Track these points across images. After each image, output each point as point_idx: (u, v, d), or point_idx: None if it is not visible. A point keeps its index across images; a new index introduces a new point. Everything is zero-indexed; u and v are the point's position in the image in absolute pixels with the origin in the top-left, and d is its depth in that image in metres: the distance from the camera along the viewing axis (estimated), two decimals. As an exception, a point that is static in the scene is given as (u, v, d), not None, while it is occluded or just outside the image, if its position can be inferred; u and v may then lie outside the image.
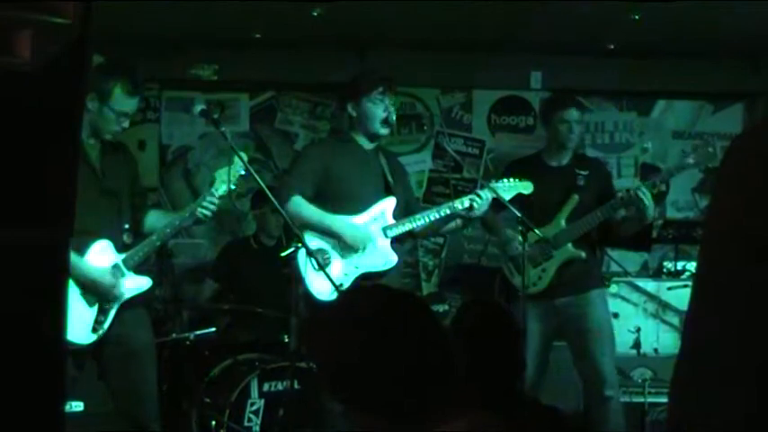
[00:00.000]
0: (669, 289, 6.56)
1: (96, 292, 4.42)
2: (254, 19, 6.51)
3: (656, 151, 7.67)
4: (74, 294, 4.37)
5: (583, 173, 5.44)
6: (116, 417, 4.60)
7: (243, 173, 4.62)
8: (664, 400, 5.98)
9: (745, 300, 1.30)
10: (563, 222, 5.34)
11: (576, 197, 5.34)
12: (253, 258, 6.50)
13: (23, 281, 1.33)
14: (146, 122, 7.42)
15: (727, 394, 1.30)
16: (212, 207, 4.60)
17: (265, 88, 7.55)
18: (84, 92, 1.30)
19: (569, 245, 5.31)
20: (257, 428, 5.30)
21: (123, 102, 4.51)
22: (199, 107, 4.68)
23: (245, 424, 5.28)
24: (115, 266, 4.51)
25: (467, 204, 4.91)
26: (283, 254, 4.75)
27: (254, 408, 5.31)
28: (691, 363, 1.37)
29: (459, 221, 5.07)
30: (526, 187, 5.10)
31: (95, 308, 4.44)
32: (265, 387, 5.35)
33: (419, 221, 4.93)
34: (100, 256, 4.47)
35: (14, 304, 1.33)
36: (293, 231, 4.58)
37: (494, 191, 4.95)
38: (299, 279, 4.71)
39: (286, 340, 5.43)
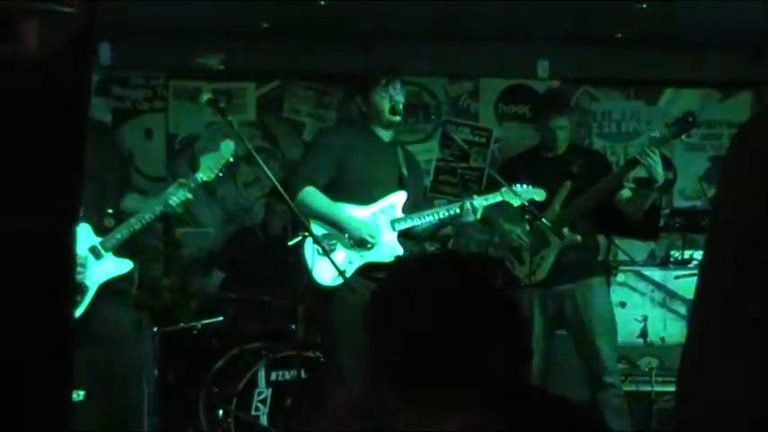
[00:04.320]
0: (676, 278, 6.56)
1: None
2: (262, 9, 6.51)
3: (664, 140, 7.64)
4: None
5: (578, 161, 5.45)
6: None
7: (231, 160, 4.66)
8: (671, 388, 5.98)
9: (752, 289, 1.30)
10: (557, 208, 5.34)
11: (568, 183, 5.34)
12: (259, 247, 6.51)
13: (29, 270, 1.34)
14: (152, 111, 7.43)
15: (734, 383, 1.29)
16: (184, 197, 4.63)
17: (272, 78, 7.55)
18: (91, 80, 1.31)
19: (565, 230, 5.30)
20: (265, 417, 5.31)
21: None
22: (206, 96, 4.69)
23: (253, 413, 5.29)
24: (92, 248, 4.58)
25: (458, 210, 4.92)
26: (290, 242, 4.76)
27: (262, 397, 5.32)
28: (698, 351, 1.37)
29: (450, 228, 5.10)
30: (539, 194, 5.10)
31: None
32: (273, 376, 5.36)
33: (427, 217, 4.94)
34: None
35: (20, 293, 1.33)
36: (300, 220, 4.59)
37: (506, 195, 4.97)
38: (304, 267, 4.72)
39: (293, 329, 5.44)
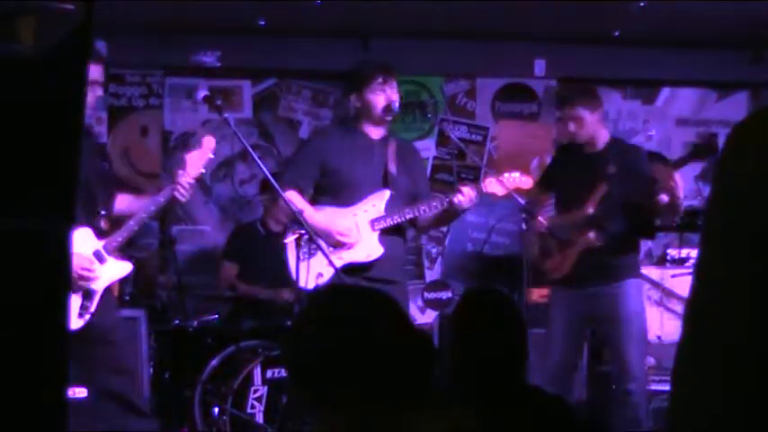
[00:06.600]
0: (673, 277, 6.55)
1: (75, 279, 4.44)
2: (258, 6, 6.50)
3: (661, 139, 7.65)
4: None
5: (615, 160, 5.32)
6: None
7: (212, 156, 4.63)
8: (667, 387, 5.98)
9: (747, 291, 1.29)
10: (590, 209, 5.27)
11: (603, 186, 5.25)
12: (259, 243, 6.49)
13: (25, 269, 1.33)
14: (148, 108, 7.42)
15: (729, 385, 1.29)
16: (189, 189, 4.60)
17: (268, 75, 7.54)
18: (87, 77, 1.31)
19: (591, 233, 5.23)
20: (261, 415, 5.30)
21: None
22: (202, 93, 4.68)
23: (249, 411, 5.28)
24: (96, 253, 4.55)
25: (448, 201, 4.90)
26: (287, 240, 4.78)
27: (258, 394, 5.32)
28: (692, 351, 1.37)
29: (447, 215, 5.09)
30: (525, 182, 5.08)
31: (79, 293, 4.46)
32: (268, 374, 5.36)
33: (408, 216, 4.93)
34: (81, 244, 4.49)
35: (17, 292, 1.33)
36: (297, 218, 4.61)
37: (492, 183, 4.95)
38: (287, 272, 4.78)
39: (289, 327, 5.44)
